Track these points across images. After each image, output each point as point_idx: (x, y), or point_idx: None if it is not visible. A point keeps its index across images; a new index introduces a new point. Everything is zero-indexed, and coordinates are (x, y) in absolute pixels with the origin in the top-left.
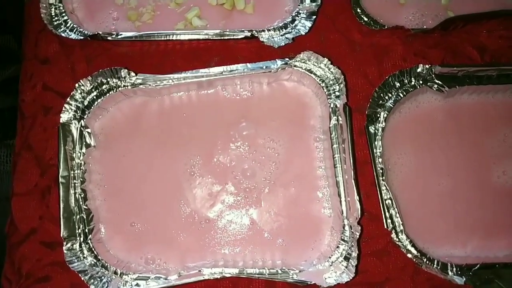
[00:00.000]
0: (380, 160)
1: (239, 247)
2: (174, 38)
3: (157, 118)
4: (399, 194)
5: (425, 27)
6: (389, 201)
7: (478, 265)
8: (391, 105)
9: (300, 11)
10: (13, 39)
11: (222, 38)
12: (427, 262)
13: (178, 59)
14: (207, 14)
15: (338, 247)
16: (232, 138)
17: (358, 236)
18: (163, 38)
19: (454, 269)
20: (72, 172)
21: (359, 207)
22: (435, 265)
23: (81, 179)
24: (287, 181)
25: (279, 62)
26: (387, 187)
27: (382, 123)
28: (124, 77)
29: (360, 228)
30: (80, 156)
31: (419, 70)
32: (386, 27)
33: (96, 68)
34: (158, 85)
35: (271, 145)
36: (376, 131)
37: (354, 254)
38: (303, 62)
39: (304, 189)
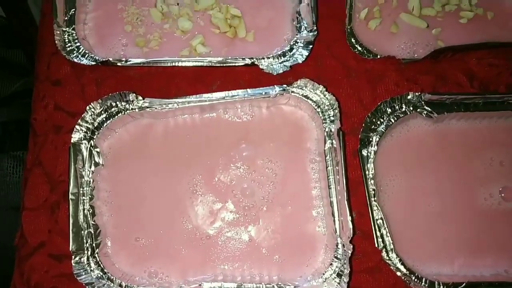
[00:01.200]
0: (372, 181)
1: (238, 263)
2: (180, 64)
3: (162, 139)
4: (390, 214)
5: (416, 55)
6: (380, 221)
7: (464, 284)
8: (383, 130)
9: (298, 40)
10: (22, 54)
11: (225, 65)
12: (416, 280)
13: (182, 82)
14: (211, 42)
15: (331, 264)
16: (232, 159)
17: (350, 254)
18: (169, 64)
19: (441, 286)
20: (81, 189)
21: (351, 226)
22: (423, 283)
23: (90, 196)
24: (284, 200)
25: (277, 88)
26: (379, 207)
27: (374, 147)
28: (132, 101)
29: (352, 246)
30: (89, 174)
31: (409, 97)
32: (378, 57)
33: (105, 90)
34: (164, 108)
35: (269, 165)
36: (369, 154)
37: (346, 271)
38: (300, 89)
39: (300, 208)
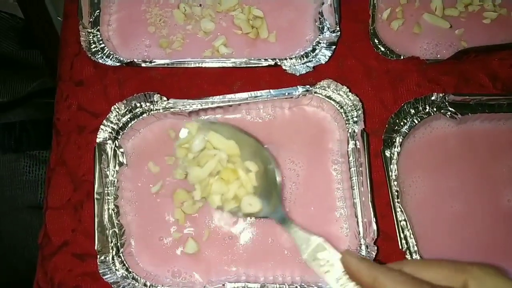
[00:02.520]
0: (395, 183)
1: (261, 263)
2: (203, 65)
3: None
4: (413, 216)
5: (439, 56)
6: (404, 222)
7: None
8: (406, 131)
9: (320, 41)
10: (39, 54)
11: (248, 66)
12: None
13: (204, 83)
14: (233, 43)
15: None
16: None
17: (374, 256)
18: (192, 65)
19: None
20: (106, 189)
21: (375, 228)
22: None
23: (114, 196)
24: (307, 201)
25: (300, 89)
26: (402, 209)
27: (397, 148)
28: (157, 101)
29: (376, 248)
30: (114, 174)
31: (433, 98)
32: (402, 57)
33: (128, 90)
34: (188, 109)
35: (291, 166)
36: (392, 155)
37: None
38: (323, 89)
39: (322, 209)
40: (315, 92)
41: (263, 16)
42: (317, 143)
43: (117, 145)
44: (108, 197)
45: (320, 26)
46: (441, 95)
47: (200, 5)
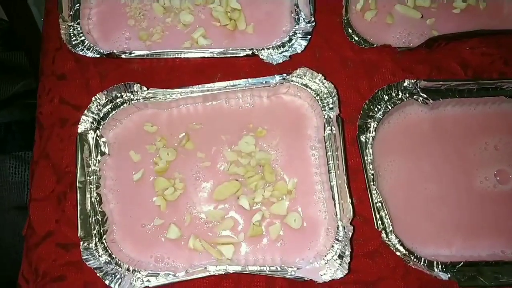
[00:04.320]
0: (371, 166)
1: (242, 247)
2: (182, 56)
3: (166, 128)
4: (389, 198)
5: (411, 45)
6: (380, 204)
7: (462, 263)
8: (380, 116)
9: (297, 31)
10: (23, 55)
11: (226, 56)
12: (415, 260)
13: (184, 75)
14: (212, 34)
15: (332, 246)
16: (235, 147)
17: (350, 236)
18: (171, 56)
19: (440, 266)
20: (88, 178)
21: (351, 208)
22: (422, 263)
23: (96, 184)
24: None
25: (277, 78)
26: (378, 191)
27: (372, 133)
28: (137, 91)
29: (352, 228)
30: (96, 163)
31: (405, 84)
32: (375, 46)
33: (109, 83)
34: (168, 99)
35: (271, 153)
36: (367, 140)
37: (347, 252)
38: (300, 78)
39: (301, 193)
40: (292, 81)
41: (241, 8)
42: (295, 130)
43: (98, 135)
44: (91, 186)
45: (296, 17)
46: (413, 81)
47: None
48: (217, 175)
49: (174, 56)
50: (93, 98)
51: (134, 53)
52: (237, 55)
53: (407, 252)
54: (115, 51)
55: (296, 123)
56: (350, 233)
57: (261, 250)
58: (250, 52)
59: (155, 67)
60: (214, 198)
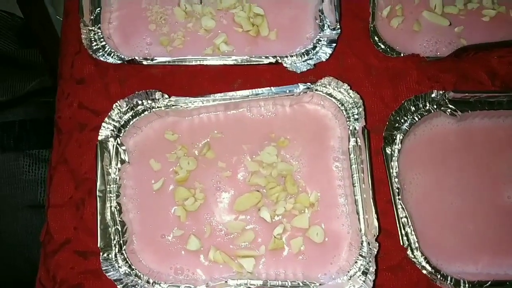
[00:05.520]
0: (396, 180)
1: (263, 260)
2: (204, 63)
3: (187, 136)
4: (414, 212)
5: (438, 53)
6: (405, 219)
7: (489, 282)
8: (406, 128)
9: (321, 39)
10: (37, 53)
11: (249, 63)
12: (441, 278)
13: (204, 81)
14: (234, 40)
15: (356, 262)
16: (255, 157)
17: (376, 252)
18: (193, 63)
19: (467, 285)
20: (108, 186)
21: (377, 224)
22: (448, 281)
23: (116, 193)
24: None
25: (301, 87)
26: (403, 206)
27: (398, 145)
28: (158, 99)
29: (378, 244)
30: (116, 171)
31: (433, 95)
32: (402, 55)
33: (128, 88)
34: (189, 107)
35: (293, 163)
36: (393, 152)
37: (372, 269)
38: (324, 87)
39: (324, 206)
40: (316, 90)
41: (264, 14)
42: (318, 140)
43: (119, 142)
44: (110, 195)
45: (321, 23)
46: (441, 92)
47: (201, 2)
48: (238, 185)
49: (196, 63)
50: (114, 105)
51: (156, 59)
52: (261, 62)
53: (433, 270)
54: (136, 58)
55: (319, 133)
56: (376, 250)
57: (282, 264)
58: (273, 60)
59: (175, 72)
60: (234, 209)
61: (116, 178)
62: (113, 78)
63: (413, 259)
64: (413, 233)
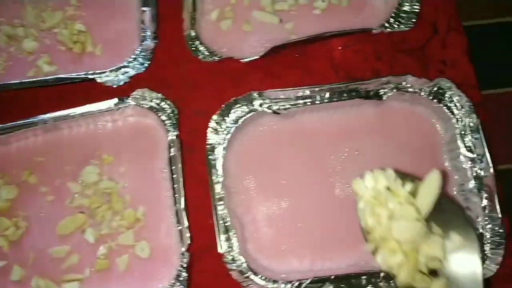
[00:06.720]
0: (221, 185)
1: (91, 282)
2: (23, 86)
3: (7, 164)
4: (245, 216)
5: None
6: (229, 223)
7: (309, 280)
8: (230, 132)
9: (140, 50)
10: None
11: (61, 82)
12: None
13: (27, 105)
14: (58, 59)
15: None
16: (78, 178)
17: (187, 262)
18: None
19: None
20: None
21: (188, 234)
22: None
23: None
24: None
25: (116, 101)
26: (230, 210)
27: (223, 150)
28: None
29: (188, 255)
30: None
31: (253, 96)
32: (221, 57)
33: None
34: (6, 133)
35: (119, 180)
36: (217, 157)
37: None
38: (140, 99)
39: (152, 220)
40: (130, 103)
41: (87, 30)
42: (145, 153)
43: None
44: None
45: (143, 35)
46: (259, 92)
47: (23, 25)
48: (62, 209)
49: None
50: None
51: None
52: (72, 81)
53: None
54: None
55: (145, 145)
56: (186, 260)
57: (112, 284)
58: (85, 76)
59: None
60: (57, 233)
61: None
62: None
63: (228, 264)
64: (235, 236)
